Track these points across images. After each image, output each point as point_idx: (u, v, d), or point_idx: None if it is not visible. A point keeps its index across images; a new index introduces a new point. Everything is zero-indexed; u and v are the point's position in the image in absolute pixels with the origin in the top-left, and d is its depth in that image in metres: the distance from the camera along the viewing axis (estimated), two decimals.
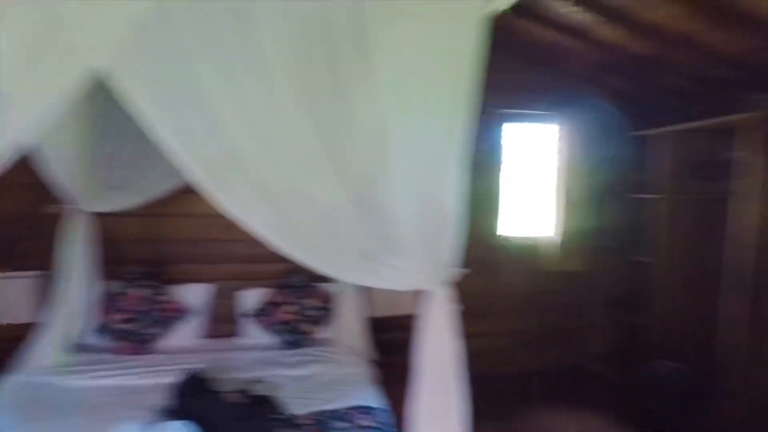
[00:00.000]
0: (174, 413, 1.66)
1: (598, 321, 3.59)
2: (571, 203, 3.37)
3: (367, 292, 2.74)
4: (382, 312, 2.78)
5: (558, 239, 3.38)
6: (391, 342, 2.52)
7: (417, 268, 1.45)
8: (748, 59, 2.56)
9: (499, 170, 3.37)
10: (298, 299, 2.63)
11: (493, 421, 2.69)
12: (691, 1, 2.17)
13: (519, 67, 3.26)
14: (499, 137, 3.36)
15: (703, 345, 3.13)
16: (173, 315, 2.52)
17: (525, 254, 3.46)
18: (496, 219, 3.39)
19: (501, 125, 3.36)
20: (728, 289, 2.63)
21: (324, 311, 2.66)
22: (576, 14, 2.48)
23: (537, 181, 3.55)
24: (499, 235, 3.40)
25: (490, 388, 3.19)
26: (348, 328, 2.62)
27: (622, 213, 3.51)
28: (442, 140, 1.35)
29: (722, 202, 3.07)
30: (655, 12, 2.33)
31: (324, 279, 2.55)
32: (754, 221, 2.45)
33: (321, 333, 2.63)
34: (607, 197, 3.48)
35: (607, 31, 2.59)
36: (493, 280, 3.41)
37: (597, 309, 3.56)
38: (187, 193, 2.25)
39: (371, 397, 1.99)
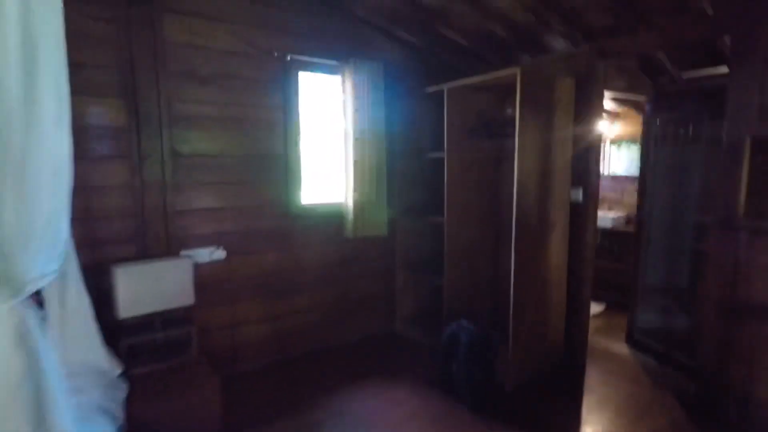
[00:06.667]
0: None
1: (406, 285, 3.55)
2: (366, 164, 3.09)
3: None
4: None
5: (359, 203, 3.12)
6: None
7: None
8: (517, 17, 2.62)
9: (296, 128, 2.93)
10: None
11: (292, 413, 2.36)
12: None
13: (303, 8, 2.87)
14: (295, 88, 2.91)
15: (489, 301, 3.31)
16: None
17: (327, 222, 3.16)
18: (293, 186, 2.97)
19: (296, 74, 2.91)
20: (505, 244, 2.70)
21: None
22: None
23: (333, 140, 3.21)
24: (298, 204, 3.00)
25: (299, 371, 2.90)
26: None
27: (422, 173, 3.47)
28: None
29: (501, 160, 3.24)
30: None
31: None
32: (525, 177, 2.52)
33: None
34: (406, 157, 3.38)
35: None
36: (294, 254, 3.04)
37: (404, 273, 3.50)
38: None
39: None
